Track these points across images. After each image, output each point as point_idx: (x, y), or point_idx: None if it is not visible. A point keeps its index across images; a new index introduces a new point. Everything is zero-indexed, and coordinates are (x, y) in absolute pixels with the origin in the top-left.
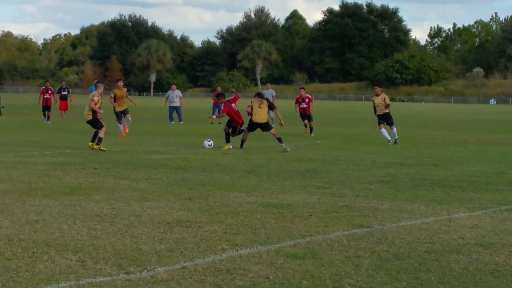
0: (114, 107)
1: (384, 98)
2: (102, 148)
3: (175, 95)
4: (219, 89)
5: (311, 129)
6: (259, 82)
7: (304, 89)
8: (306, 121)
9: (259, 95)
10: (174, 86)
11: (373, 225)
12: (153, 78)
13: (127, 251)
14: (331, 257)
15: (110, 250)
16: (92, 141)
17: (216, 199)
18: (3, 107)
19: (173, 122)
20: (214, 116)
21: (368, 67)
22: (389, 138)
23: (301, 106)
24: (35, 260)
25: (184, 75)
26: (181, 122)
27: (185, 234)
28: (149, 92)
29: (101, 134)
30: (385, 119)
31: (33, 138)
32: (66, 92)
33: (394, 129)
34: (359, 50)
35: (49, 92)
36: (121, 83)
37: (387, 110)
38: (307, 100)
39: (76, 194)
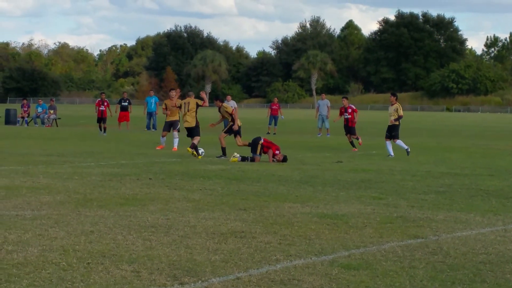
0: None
1: (397, 108)
2: (195, 154)
3: (230, 106)
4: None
5: (351, 142)
6: (314, 92)
7: (347, 98)
8: (348, 135)
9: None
10: (229, 97)
11: (428, 235)
12: (208, 88)
13: (181, 261)
14: (386, 268)
15: (165, 261)
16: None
17: (271, 210)
18: (59, 118)
19: None
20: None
21: (423, 77)
22: (391, 153)
23: (345, 116)
24: (90, 270)
25: (239, 85)
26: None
27: (239, 244)
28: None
29: (195, 141)
30: (389, 130)
31: (88, 149)
32: (126, 103)
33: (398, 141)
34: (415, 60)
35: (105, 104)
36: (172, 93)
37: (396, 122)
38: (350, 110)
39: (131, 204)
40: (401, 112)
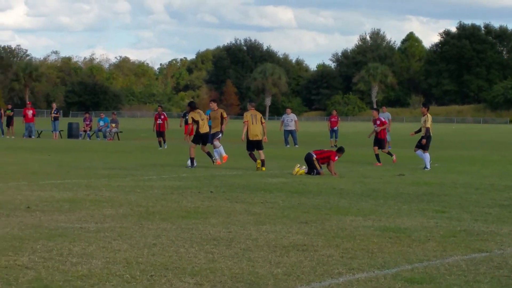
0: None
1: (425, 120)
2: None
3: (290, 119)
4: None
5: (376, 155)
6: (375, 105)
7: (377, 110)
8: (375, 148)
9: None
10: (289, 110)
11: (493, 249)
12: (268, 101)
13: (243, 274)
14: (450, 282)
15: (227, 274)
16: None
17: (333, 223)
18: (121, 132)
19: (288, 146)
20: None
21: (486, 89)
22: (427, 166)
23: (374, 128)
24: (153, 283)
25: (299, 98)
26: (296, 146)
27: (301, 258)
28: (264, 116)
29: (263, 156)
30: (420, 141)
31: (150, 162)
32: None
33: (425, 154)
34: (477, 72)
35: (162, 117)
36: (213, 104)
37: (421, 133)
38: (378, 122)
39: (193, 217)
40: (428, 124)
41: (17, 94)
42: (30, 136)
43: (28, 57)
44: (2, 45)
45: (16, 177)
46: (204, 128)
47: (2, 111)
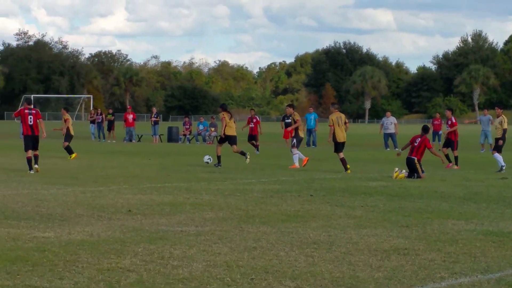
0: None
1: (501, 121)
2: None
3: (390, 122)
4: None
5: (447, 155)
6: (476, 107)
7: (450, 110)
8: (444, 149)
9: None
10: (389, 113)
11: None
12: (367, 104)
13: (344, 278)
14: None
15: (328, 277)
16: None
17: (434, 227)
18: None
19: (388, 149)
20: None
21: None
22: (502, 164)
23: (447, 129)
24: (254, 286)
25: (399, 101)
26: (396, 149)
27: (402, 262)
28: (364, 119)
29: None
30: (496, 141)
31: (249, 165)
32: (289, 120)
33: (495, 154)
34: None
35: (254, 121)
36: (288, 110)
37: (498, 135)
38: (449, 122)
39: (292, 221)
40: (505, 125)
41: (117, 99)
42: (130, 140)
43: (128, 62)
44: (103, 51)
45: (118, 180)
46: (230, 131)
47: (104, 116)
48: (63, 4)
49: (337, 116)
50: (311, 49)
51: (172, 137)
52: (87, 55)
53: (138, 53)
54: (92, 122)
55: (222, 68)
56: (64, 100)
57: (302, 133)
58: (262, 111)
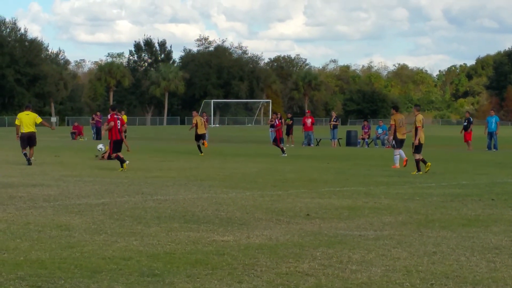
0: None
1: None
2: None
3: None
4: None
5: None
6: None
7: None
8: None
9: None
10: None
11: None
12: None
13: None
14: None
15: (510, 284)
16: None
17: None
18: None
19: None
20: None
21: None
22: None
23: None
24: None
25: None
26: None
27: None
28: None
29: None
30: None
31: (430, 169)
32: (465, 123)
33: None
34: None
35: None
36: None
37: None
38: None
39: (473, 225)
40: None
41: (296, 103)
42: (309, 144)
43: (307, 66)
44: (282, 55)
45: (296, 184)
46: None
47: (283, 120)
48: (242, 10)
49: (423, 118)
50: (492, 51)
51: (350, 141)
52: (266, 60)
53: (316, 57)
54: (272, 126)
55: (401, 72)
56: (243, 105)
57: (400, 135)
58: (441, 114)
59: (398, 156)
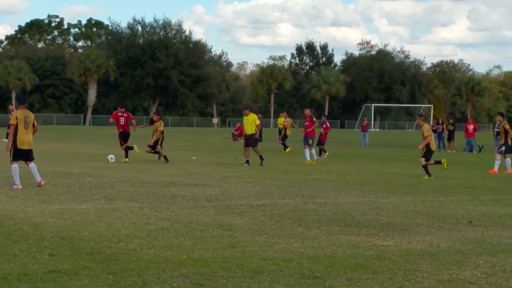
0: None
1: None
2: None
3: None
4: None
5: None
6: None
7: None
8: None
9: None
10: None
11: None
12: None
13: None
14: None
15: None
16: None
17: None
18: None
19: None
20: None
21: None
22: None
23: None
24: None
25: None
26: None
27: None
28: None
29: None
30: None
31: None
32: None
33: None
34: None
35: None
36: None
37: None
38: None
39: None
40: None
41: (458, 109)
42: (471, 151)
43: (470, 72)
44: (445, 60)
45: (458, 191)
46: None
47: (444, 126)
48: (404, 14)
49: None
50: None
51: None
52: (428, 65)
53: (480, 62)
54: (434, 131)
55: None
56: (405, 110)
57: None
58: None
59: (499, 161)
